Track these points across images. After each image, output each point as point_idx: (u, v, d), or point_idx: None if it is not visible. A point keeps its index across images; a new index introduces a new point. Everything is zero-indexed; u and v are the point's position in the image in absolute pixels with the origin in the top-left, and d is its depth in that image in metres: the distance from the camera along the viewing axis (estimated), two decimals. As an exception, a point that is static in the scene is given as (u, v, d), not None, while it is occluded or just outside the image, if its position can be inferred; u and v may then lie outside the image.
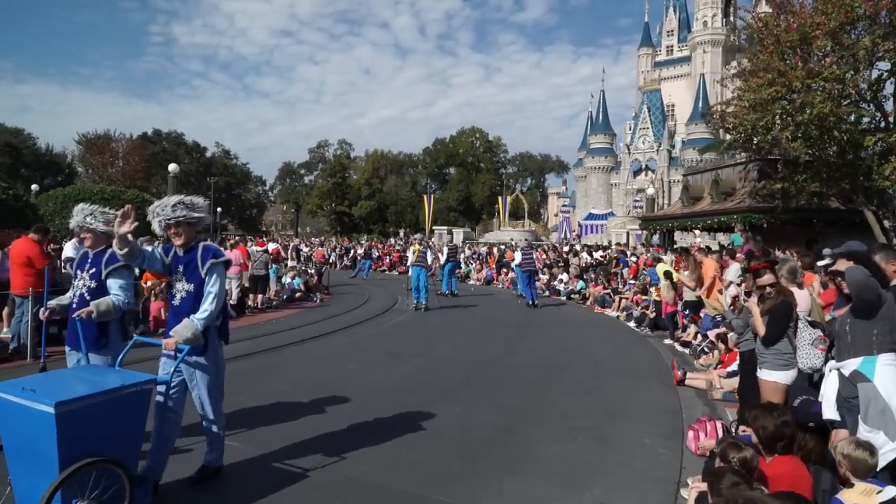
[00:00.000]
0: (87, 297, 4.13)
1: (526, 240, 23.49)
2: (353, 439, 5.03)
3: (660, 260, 13.46)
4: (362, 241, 41.84)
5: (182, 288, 3.91)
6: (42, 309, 4.39)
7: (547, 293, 19.15)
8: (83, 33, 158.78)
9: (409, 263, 16.20)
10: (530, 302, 15.72)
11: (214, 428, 4.04)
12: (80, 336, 4.06)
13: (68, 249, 9.25)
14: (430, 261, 15.28)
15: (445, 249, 18.74)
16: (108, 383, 3.36)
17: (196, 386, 3.92)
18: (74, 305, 4.21)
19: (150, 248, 3.99)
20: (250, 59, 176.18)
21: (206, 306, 3.79)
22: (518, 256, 16.99)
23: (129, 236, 3.71)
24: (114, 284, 4.11)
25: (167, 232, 3.91)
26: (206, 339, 3.84)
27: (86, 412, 3.08)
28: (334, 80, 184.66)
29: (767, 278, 4.64)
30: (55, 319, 4.73)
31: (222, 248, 15.02)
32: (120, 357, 3.93)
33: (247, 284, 14.15)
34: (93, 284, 4.20)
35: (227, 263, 4.05)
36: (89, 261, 4.28)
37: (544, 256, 24.70)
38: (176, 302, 3.95)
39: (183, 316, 3.81)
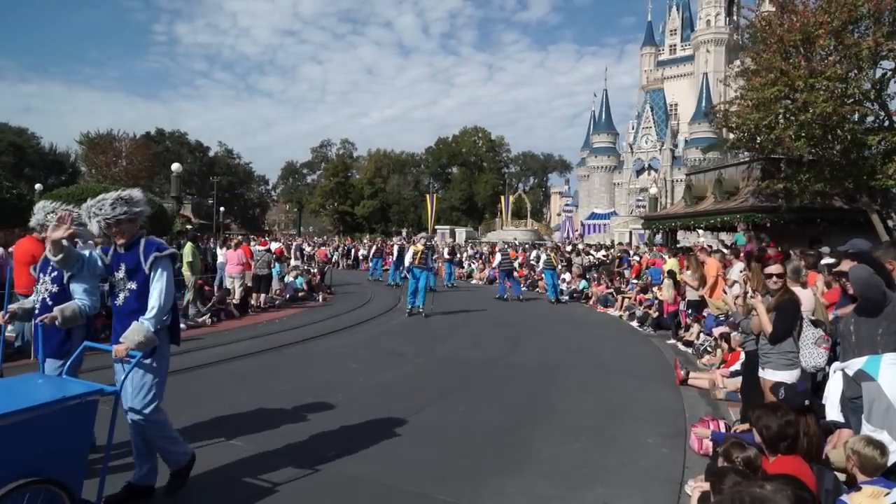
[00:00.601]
0: (50, 302, 4.00)
1: (504, 241, 25.22)
2: (355, 439, 5.03)
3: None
4: (365, 241, 41.80)
5: (124, 287, 3.64)
6: (2, 313, 4.16)
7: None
8: (87, 33, 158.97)
9: (406, 265, 16.04)
10: (503, 296, 17.44)
11: (156, 434, 3.67)
12: (40, 341, 3.91)
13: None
14: (430, 263, 14.85)
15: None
16: (48, 395, 3.02)
17: (134, 386, 3.55)
18: (37, 311, 4.05)
19: (87, 252, 3.70)
20: (253, 59, 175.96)
21: (153, 303, 3.52)
22: (498, 257, 19.41)
23: (65, 242, 3.47)
24: (78, 288, 3.90)
25: (108, 231, 3.63)
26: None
27: (21, 428, 2.75)
28: (337, 79, 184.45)
29: (776, 268, 4.61)
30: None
31: (223, 248, 15.15)
32: (67, 364, 3.66)
33: (250, 284, 14.20)
34: (54, 289, 4.04)
35: (173, 256, 3.77)
36: (51, 263, 4.03)
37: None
38: (119, 302, 3.66)
39: (126, 316, 3.57)
